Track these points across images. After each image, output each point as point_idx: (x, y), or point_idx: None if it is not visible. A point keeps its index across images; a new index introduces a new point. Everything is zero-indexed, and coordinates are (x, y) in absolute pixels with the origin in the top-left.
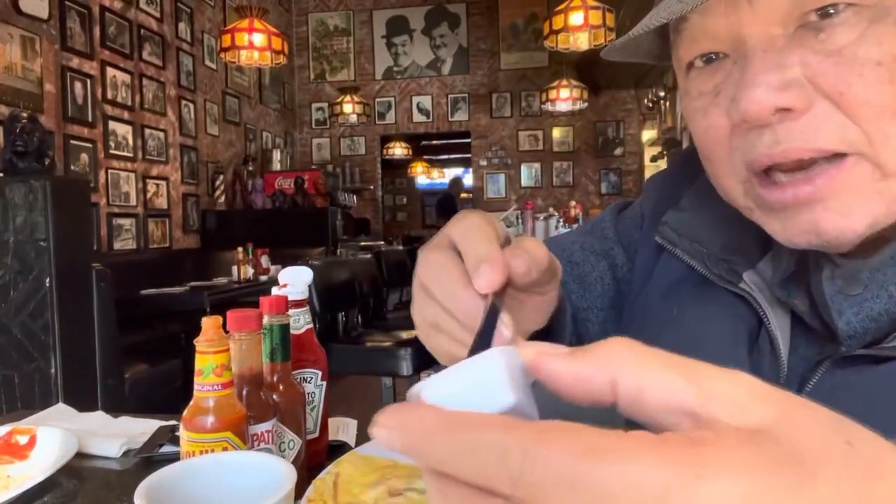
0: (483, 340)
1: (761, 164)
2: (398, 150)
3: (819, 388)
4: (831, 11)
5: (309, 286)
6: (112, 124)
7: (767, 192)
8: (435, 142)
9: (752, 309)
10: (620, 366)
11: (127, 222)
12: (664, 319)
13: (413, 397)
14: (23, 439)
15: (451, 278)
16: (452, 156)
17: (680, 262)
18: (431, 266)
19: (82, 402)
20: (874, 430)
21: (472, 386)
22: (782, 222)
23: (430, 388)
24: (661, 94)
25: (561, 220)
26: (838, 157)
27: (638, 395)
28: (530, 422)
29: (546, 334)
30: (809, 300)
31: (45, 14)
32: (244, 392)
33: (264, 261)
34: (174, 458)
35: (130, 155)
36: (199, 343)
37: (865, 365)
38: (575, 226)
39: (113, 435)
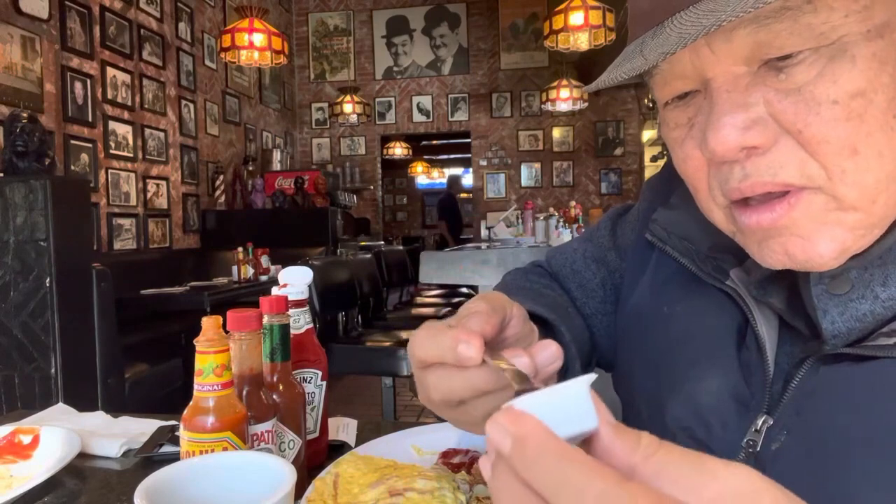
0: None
1: (734, 196)
2: (398, 150)
3: (803, 385)
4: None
5: (309, 286)
6: (112, 124)
7: (741, 214)
8: (435, 142)
9: (740, 306)
10: (642, 458)
11: (127, 222)
12: (656, 318)
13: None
14: (26, 439)
15: (455, 378)
16: (452, 156)
17: (670, 260)
18: (432, 380)
19: (82, 402)
20: (857, 428)
21: (565, 409)
22: (758, 245)
23: (526, 404)
24: None
25: (561, 220)
26: (797, 190)
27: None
28: (640, 482)
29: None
30: (789, 299)
31: (45, 14)
32: (244, 392)
33: (264, 261)
34: (174, 458)
35: (130, 155)
36: (199, 343)
37: (849, 363)
38: (575, 226)
39: (113, 435)
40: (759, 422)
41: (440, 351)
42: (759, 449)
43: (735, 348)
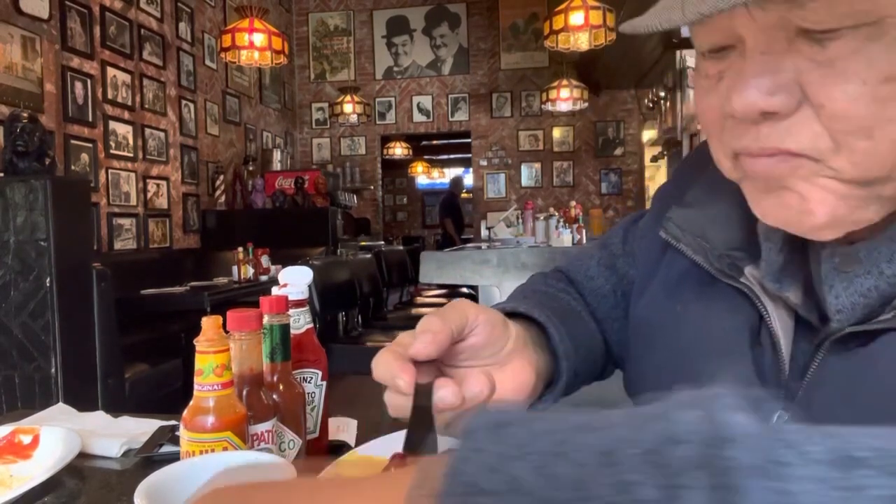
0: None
1: (742, 153)
2: (398, 150)
3: (817, 375)
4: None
5: (309, 286)
6: (112, 124)
7: (747, 161)
8: (435, 142)
9: (754, 304)
10: None
11: (127, 222)
12: (669, 317)
13: None
14: (26, 439)
15: (401, 398)
16: (452, 156)
17: (683, 257)
18: (387, 398)
19: (82, 402)
20: (871, 411)
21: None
22: (759, 194)
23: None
24: (662, 94)
25: (561, 220)
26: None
27: None
28: None
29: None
30: (804, 293)
31: (45, 14)
32: (244, 392)
33: (264, 261)
34: (174, 458)
35: (131, 155)
36: (199, 343)
37: (858, 346)
38: (575, 226)
39: (113, 435)
40: (774, 418)
41: (386, 378)
42: None
43: (749, 347)
